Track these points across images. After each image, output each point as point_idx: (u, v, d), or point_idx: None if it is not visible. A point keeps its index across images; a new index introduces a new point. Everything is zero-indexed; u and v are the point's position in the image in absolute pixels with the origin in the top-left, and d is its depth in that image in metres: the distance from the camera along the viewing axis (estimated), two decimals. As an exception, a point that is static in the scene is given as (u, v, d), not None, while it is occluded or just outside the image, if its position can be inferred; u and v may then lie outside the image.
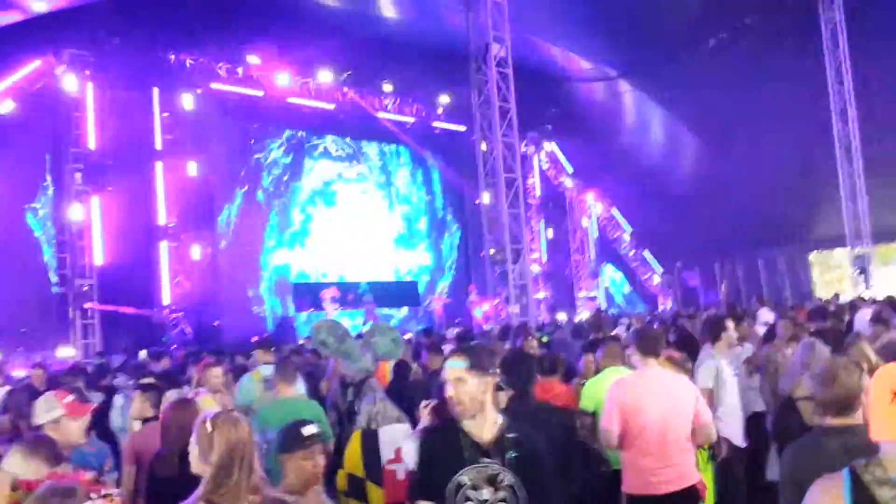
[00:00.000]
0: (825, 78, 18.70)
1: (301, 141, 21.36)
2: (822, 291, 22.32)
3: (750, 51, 17.76)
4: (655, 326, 9.50)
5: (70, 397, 3.50)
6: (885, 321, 6.19)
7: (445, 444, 2.80)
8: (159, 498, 3.62)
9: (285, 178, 20.85)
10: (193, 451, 2.58)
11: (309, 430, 3.12)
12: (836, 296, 16.99)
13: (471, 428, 2.80)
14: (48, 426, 3.35)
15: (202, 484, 2.51)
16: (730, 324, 5.45)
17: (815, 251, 23.91)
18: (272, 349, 6.98)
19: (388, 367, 6.43)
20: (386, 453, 4.15)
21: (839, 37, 18.61)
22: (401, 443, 4.00)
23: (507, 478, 2.71)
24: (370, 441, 4.21)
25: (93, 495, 2.21)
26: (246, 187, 19.95)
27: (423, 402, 3.90)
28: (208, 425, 2.56)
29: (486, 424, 2.80)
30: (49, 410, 3.39)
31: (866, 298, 14.42)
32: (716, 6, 17.86)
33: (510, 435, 2.79)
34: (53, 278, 16.05)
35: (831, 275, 23.56)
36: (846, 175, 18.88)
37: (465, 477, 2.71)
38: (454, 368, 2.80)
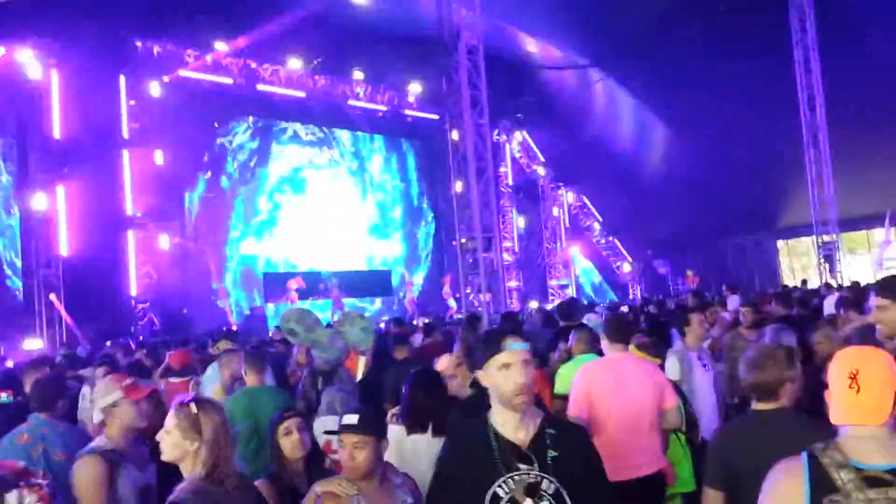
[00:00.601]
0: (793, 66, 18.90)
1: (269, 125, 21.10)
2: (791, 279, 22.67)
3: (719, 40, 17.88)
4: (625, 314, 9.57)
5: (128, 380, 3.48)
6: (857, 305, 6.22)
7: (473, 448, 2.36)
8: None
9: (252, 164, 20.60)
10: (171, 435, 2.59)
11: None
12: (804, 282, 17.26)
13: (503, 425, 2.36)
14: (106, 410, 3.33)
15: (195, 465, 2.54)
16: (694, 317, 5.46)
17: (783, 239, 24.25)
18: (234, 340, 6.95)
19: (358, 357, 6.39)
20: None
21: (807, 25, 18.80)
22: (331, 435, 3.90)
23: (551, 485, 2.27)
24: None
25: (21, 484, 2.20)
26: (209, 174, 19.66)
27: (390, 413, 3.88)
28: (193, 408, 2.60)
29: (523, 420, 2.36)
30: (108, 394, 3.36)
31: (833, 285, 14.67)
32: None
33: (551, 430, 2.37)
34: (15, 273, 15.77)
35: (799, 262, 23.93)
36: (813, 163, 19.12)
37: (500, 489, 2.27)
38: (521, 350, 2.35)
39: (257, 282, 20.03)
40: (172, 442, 2.59)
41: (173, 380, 5.95)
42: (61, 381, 4.92)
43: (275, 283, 19.60)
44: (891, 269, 16.79)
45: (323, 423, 3.99)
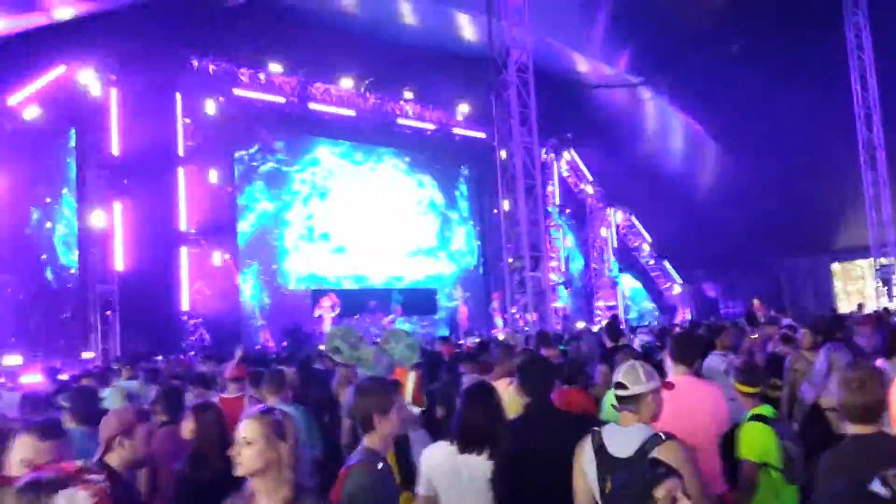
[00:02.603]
0: (849, 83, 18.49)
1: (320, 144, 21.46)
2: (845, 302, 22.03)
3: (772, 57, 17.61)
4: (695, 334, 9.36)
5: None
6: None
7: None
8: (197, 499, 3.64)
9: (303, 181, 20.94)
10: (256, 445, 2.50)
11: None
12: (860, 307, 16.76)
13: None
14: None
15: (280, 474, 2.49)
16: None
17: (838, 261, 23.60)
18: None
19: (408, 379, 6.31)
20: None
21: (863, 41, 18.40)
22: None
23: None
24: (403, 447, 4.09)
25: (75, 485, 2.18)
26: (262, 192, 20.04)
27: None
28: (278, 413, 2.59)
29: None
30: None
31: (892, 310, 14.21)
32: (737, 12, 17.74)
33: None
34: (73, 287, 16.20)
35: (854, 285, 23.25)
36: (870, 183, 18.64)
37: None
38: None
39: (305, 298, 20.21)
40: (257, 451, 2.49)
41: (227, 394, 6.04)
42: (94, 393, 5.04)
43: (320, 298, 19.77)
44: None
45: (422, 438, 4.00)
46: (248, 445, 2.51)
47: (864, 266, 21.58)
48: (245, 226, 19.60)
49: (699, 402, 4.05)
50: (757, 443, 4.08)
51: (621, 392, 3.17)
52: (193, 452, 3.89)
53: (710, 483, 3.97)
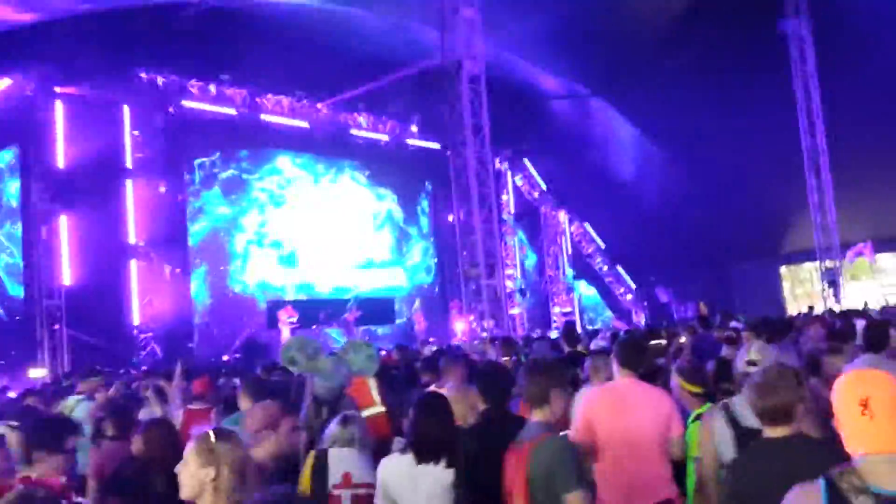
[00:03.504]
0: (793, 93, 19.01)
1: (272, 156, 21.20)
2: (794, 305, 22.59)
3: (719, 67, 18.01)
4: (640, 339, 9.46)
5: None
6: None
7: None
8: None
9: (255, 193, 20.68)
10: (188, 467, 2.46)
11: None
12: (811, 309, 17.18)
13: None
14: None
15: (216, 501, 2.43)
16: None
17: (786, 265, 24.20)
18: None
19: (370, 385, 6.25)
20: (334, 477, 3.85)
21: (807, 52, 18.94)
22: (351, 467, 3.81)
23: None
24: (320, 461, 3.96)
25: (63, 503, 2.15)
26: (212, 203, 19.78)
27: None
28: (211, 436, 2.51)
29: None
30: None
31: (836, 312, 14.59)
32: (685, 24, 18.12)
33: None
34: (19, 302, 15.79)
35: (802, 288, 23.85)
36: (814, 189, 19.15)
37: None
38: None
39: (261, 311, 19.96)
40: (189, 474, 2.45)
41: (194, 406, 5.93)
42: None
43: (277, 311, 19.53)
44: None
45: (339, 457, 3.87)
46: (184, 466, 2.47)
47: (811, 269, 22.13)
48: (198, 227, 19.32)
49: (642, 406, 4.09)
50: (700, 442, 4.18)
51: (753, 368, 3.69)
52: (139, 469, 3.79)
53: (659, 487, 4.01)
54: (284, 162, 21.45)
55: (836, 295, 19.17)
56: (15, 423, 4.55)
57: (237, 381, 6.56)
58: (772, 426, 2.80)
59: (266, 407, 3.37)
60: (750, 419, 3.21)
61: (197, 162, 19.40)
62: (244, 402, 5.15)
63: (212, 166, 19.85)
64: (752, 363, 3.86)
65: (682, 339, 8.05)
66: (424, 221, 24.89)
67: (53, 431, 3.26)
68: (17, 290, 15.93)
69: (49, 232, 15.48)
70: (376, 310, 21.66)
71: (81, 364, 14.39)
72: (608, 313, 26.98)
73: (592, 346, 7.71)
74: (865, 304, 16.60)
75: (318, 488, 3.83)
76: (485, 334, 13.41)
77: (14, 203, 16.14)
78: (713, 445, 3.63)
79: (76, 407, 6.88)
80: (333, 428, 4.07)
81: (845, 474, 1.95)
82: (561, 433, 3.34)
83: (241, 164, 20.49)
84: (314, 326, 18.43)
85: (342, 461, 3.82)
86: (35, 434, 3.28)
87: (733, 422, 3.57)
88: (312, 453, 4.08)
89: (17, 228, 15.97)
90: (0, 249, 15.92)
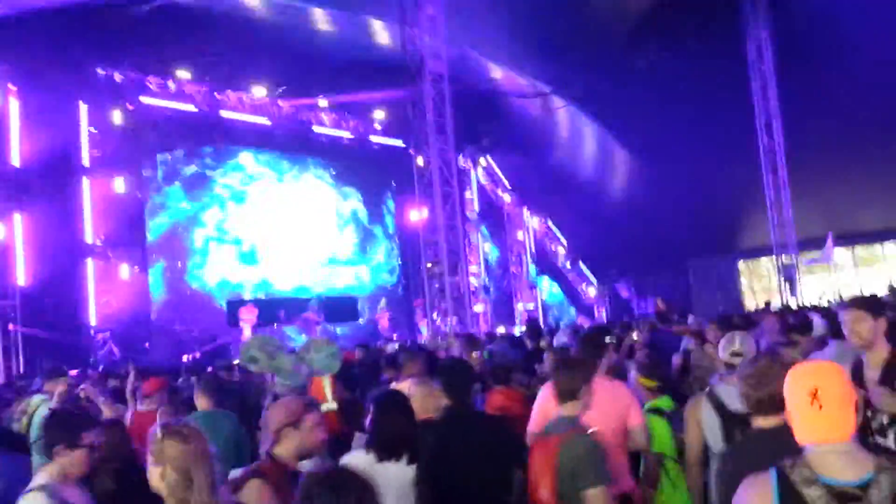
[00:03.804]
0: (751, 92, 19.34)
1: (232, 152, 20.97)
2: (751, 299, 23.01)
3: (679, 67, 18.23)
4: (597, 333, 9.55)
5: None
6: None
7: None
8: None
9: (214, 191, 20.45)
10: (149, 462, 2.48)
11: None
12: (768, 304, 17.51)
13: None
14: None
15: (169, 496, 2.42)
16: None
17: (744, 260, 24.62)
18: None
19: (324, 383, 6.26)
20: None
21: (764, 52, 19.29)
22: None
23: None
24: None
25: None
26: (171, 202, 19.51)
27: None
28: (158, 433, 2.50)
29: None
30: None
31: (792, 307, 14.90)
32: (646, 24, 18.32)
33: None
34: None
35: (760, 283, 24.29)
36: (770, 187, 19.51)
37: None
38: None
39: (219, 309, 19.73)
40: (148, 473, 2.47)
41: (142, 408, 5.86)
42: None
43: (237, 310, 19.32)
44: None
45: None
46: (153, 465, 2.45)
47: (768, 264, 22.54)
48: (157, 222, 19.08)
49: (600, 398, 4.12)
50: (653, 435, 4.25)
51: (737, 360, 3.78)
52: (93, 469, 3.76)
53: (618, 479, 4.05)
54: (247, 158, 21.23)
55: (793, 290, 19.56)
56: None
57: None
58: (764, 416, 2.81)
59: (288, 403, 3.34)
60: (735, 404, 3.34)
61: (160, 158, 19.16)
62: (201, 402, 5.15)
63: (174, 162, 19.61)
64: (736, 354, 3.95)
65: (635, 336, 8.14)
66: (390, 221, 24.80)
67: (68, 426, 3.22)
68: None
69: (3, 231, 15.11)
70: (338, 308, 21.55)
71: (35, 365, 14.15)
72: (572, 310, 27.19)
73: (555, 343, 7.76)
74: (824, 298, 17.00)
75: None
76: (448, 331, 13.43)
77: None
78: (700, 432, 3.75)
79: (41, 406, 6.67)
80: None
81: (796, 465, 1.98)
82: (590, 430, 3.41)
83: (204, 160, 20.28)
84: (275, 325, 18.29)
85: None
86: (51, 429, 3.24)
87: (719, 408, 3.67)
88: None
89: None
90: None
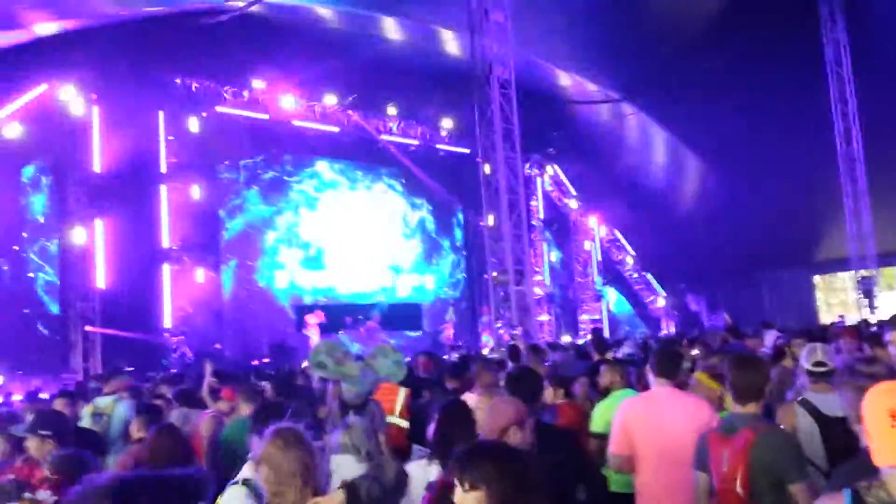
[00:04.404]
0: (829, 98, 18.72)
1: (304, 160, 21.50)
2: (827, 314, 22.20)
3: (753, 71, 17.79)
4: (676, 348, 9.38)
5: None
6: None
7: None
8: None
9: (287, 198, 20.95)
10: (263, 467, 2.65)
11: None
12: (842, 318, 16.88)
13: None
14: None
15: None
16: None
17: (819, 274, 23.79)
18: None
19: (398, 395, 6.20)
20: (334, 482, 3.72)
21: (842, 56, 18.66)
22: (346, 474, 3.66)
23: None
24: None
25: (26, 495, 2.17)
26: (245, 208, 20.03)
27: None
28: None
29: None
30: None
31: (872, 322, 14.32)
32: (719, 27, 17.92)
33: None
34: (53, 305, 16.05)
35: (836, 297, 23.44)
36: (850, 196, 18.83)
37: None
38: None
39: (282, 309, 20.13)
40: (265, 473, 2.68)
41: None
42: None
43: (304, 315, 19.65)
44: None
45: (338, 462, 3.83)
46: (260, 465, 2.63)
47: (845, 278, 21.75)
48: (234, 222, 19.76)
49: (680, 415, 4.05)
50: None
51: (821, 368, 3.98)
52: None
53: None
54: (322, 166, 21.81)
55: (871, 305, 18.81)
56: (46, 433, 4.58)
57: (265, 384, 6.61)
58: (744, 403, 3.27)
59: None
60: (831, 409, 3.56)
61: (242, 163, 19.86)
62: (244, 408, 5.20)
63: (255, 167, 20.30)
64: (819, 364, 4.04)
65: (695, 352, 7.90)
66: (458, 233, 24.90)
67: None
68: (56, 309, 16.17)
69: (85, 236, 15.72)
70: (402, 317, 21.72)
71: (113, 366, 14.63)
72: (638, 321, 26.73)
73: (619, 354, 7.65)
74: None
75: None
76: (514, 341, 13.34)
77: (41, 219, 16.32)
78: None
79: (116, 406, 6.74)
80: (338, 434, 4.11)
81: (873, 487, 1.91)
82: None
83: (284, 166, 20.93)
84: (341, 331, 18.50)
85: (340, 467, 3.82)
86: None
87: (813, 412, 3.77)
88: None
89: (52, 244, 16.17)
90: (36, 268, 16.11)
